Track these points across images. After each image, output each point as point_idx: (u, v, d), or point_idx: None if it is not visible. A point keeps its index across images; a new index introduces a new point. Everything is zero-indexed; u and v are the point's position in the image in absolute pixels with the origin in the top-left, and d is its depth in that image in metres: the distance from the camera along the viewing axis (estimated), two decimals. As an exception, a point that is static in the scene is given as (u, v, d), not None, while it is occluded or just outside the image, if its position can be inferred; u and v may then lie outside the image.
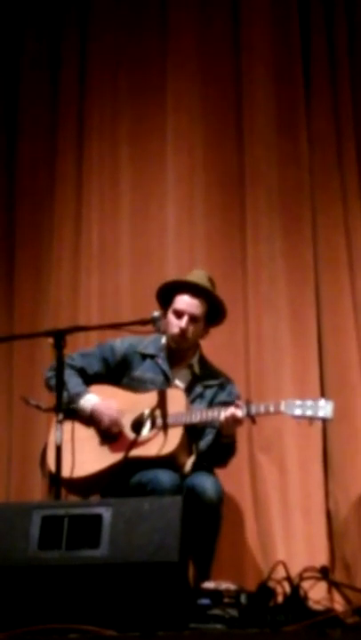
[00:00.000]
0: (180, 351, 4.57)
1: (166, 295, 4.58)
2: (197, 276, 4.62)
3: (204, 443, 4.41)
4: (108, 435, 4.39)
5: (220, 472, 4.53)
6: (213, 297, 4.56)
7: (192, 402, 4.46)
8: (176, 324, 4.49)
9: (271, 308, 5.23)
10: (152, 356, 4.57)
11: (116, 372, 4.57)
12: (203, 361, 4.64)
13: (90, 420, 4.41)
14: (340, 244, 5.28)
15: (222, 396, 4.54)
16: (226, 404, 4.43)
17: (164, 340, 4.58)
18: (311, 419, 4.23)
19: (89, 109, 5.66)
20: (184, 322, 4.48)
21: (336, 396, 4.85)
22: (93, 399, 4.43)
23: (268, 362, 5.16)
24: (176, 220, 5.40)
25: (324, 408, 4.23)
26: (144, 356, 4.58)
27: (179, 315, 4.50)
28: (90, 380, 4.53)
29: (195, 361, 4.60)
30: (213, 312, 4.57)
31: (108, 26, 5.70)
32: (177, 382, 4.52)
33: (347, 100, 5.41)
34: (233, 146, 5.45)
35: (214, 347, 4.90)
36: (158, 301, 4.61)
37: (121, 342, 4.60)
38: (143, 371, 4.54)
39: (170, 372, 4.53)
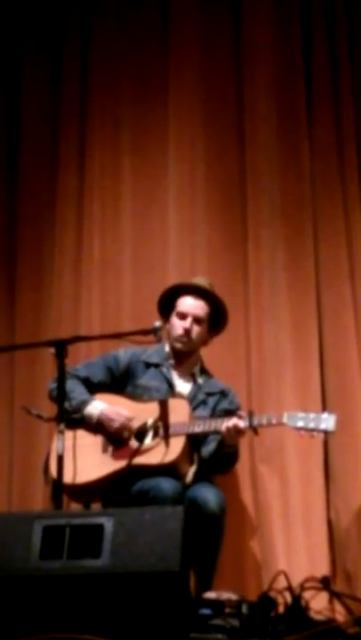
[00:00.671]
0: (183, 360, 4.60)
1: (167, 303, 4.61)
2: (197, 281, 4.66)
3: (207, 450, 4.42)
4: (117, 439, 4.39)
5: (220, 482, 4.53)
6: (216, 299, 4.59)
7: (195, 409, 4.48)
8: (180, 325, 4.51)
9: (273, 318, 5.23)
10: (156, 365, 4.59)
11: (121, 382, 4.59)
12: (204, 371, 4.68)
13: (96, 426, 4.42)
14: (341, 255, 5.28)
15: (224, 404, 4.57)
16: (228, 412, 4.45)
17: (167, 348, 4.61)
18: (313, 431, 4.24)
19: (91, 119, 5.65)
20: (188, 322, 4.51)
21: (337, 405, 4.87)
22: (101, 405, 4.44)
23: (270, 372, 5.16)
24: (177, 231, 5.40)
25: (327, 421, 4.23)
26: (148, 365, 4.60)
27: (182, 317, 4.54)
28: (94, 389, 4.55)
29: (197, 370, 4.63)
30: (215, 318, 4.60)
31: (109, 36, 5.70)
32: (180, 390, 4.54)
33: (349, 110, 5.42)
34: (235, 156, 5.46)
35: (216, 356, 4.92)
36: (159, 309, 4.62)
37: (124, 352, 4.63)
38: (148, 379, 4.56)
39: (174, 381, 4.55)
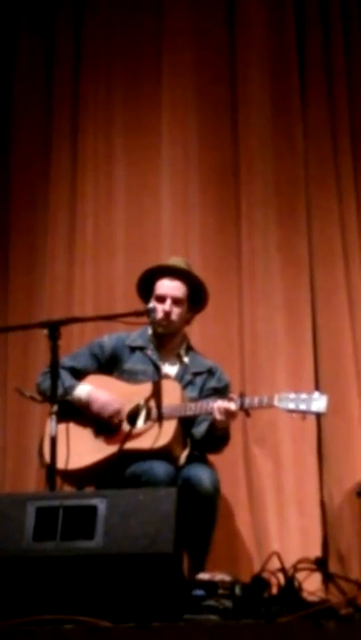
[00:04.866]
0: (168, 341, 4.58)
1: (147, 289, 4.58)
2: (173, 261, 4.64)
3: (198, 431, 4.40)
4: (108, 423, 4.38)
5: (214, 463, 4.53)
6: (192, 277, 4.57)
7: (183, 389, 4.45)
8: (160, 309, 4.49)
9: (266, 300, 5.23)
10: (141, 348, 4.57)
11: (107, 368, 4.56)
12: (190, 351, 4.65)
13: (87, 408, 4.40)
14: (334, 238, 5.28)
15: (212, 383, 4.55)
16: (217, 390, 4.44)
17: (150, 331, 4.58)
18: (304, 413, 4.21)
19: (84, 101, 5.64)
20: (167, 305, 4.48)
21: (330, 388, 4.86)
22: (87, 388, 4.42)
23: (263, 354, 5.16)
24: (171, 213, 5.39)
25: (318, 402, 4.18)
26: (133, 349, 4.58)
27: (161, 299, 4.51)
28: (81, 376, 4.52)
29: (183, 351, 4.61)
30: (195, 296, 4.58)
31: (102, 18, 5.68)
32: (167, 372, 4.53)
33: (342, 93, 5.42)
34: (228, 138, 5.45)
35: (209, 339, 4.92)
36: (140, 295, 4.60)
37: (109, 338, 4.61)
38: (133, 363, 4.54)
39: (159, 363, 4.53)
